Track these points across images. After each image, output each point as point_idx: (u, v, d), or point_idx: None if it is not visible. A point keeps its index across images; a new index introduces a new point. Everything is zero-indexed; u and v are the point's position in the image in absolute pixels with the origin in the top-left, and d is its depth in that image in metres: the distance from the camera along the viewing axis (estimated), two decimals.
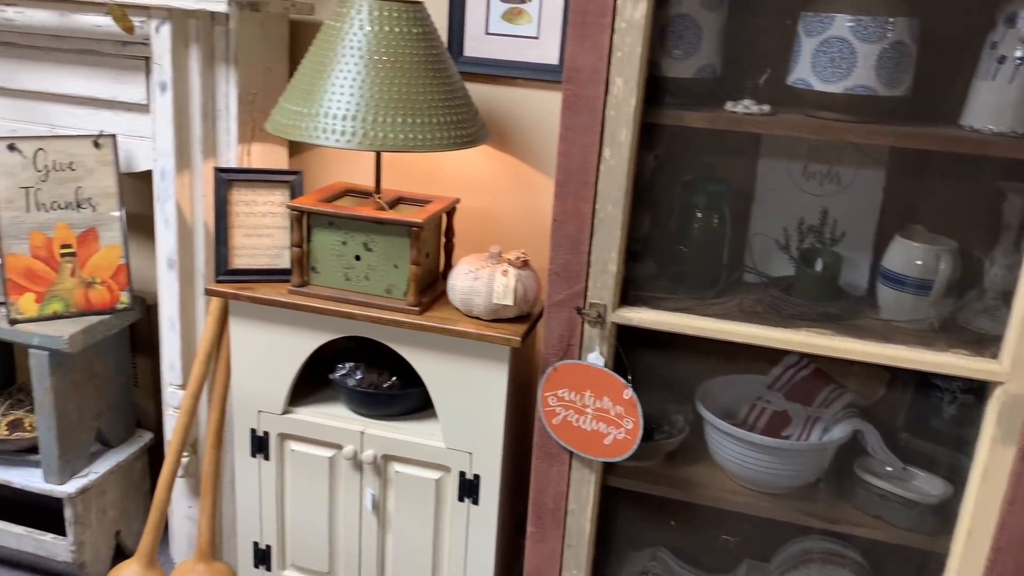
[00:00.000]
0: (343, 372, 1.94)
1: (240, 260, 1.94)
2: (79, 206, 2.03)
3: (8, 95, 2.15)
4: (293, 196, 1.94)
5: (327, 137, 1.66)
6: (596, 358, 1.68)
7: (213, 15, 1.87)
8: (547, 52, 1.98)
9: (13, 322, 1.99)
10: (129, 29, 1.83)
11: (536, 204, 2.10)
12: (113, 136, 2.03)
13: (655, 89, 1.60)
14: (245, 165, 2.01)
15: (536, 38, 1.99)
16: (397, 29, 1.70)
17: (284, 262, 1.94)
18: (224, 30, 1.90)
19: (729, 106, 1.58)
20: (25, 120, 2.15)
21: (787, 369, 1.87)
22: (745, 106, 1.56)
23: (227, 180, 1.91)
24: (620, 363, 1.69)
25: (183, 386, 2.11)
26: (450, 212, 1.96)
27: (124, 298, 2.09)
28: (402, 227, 1.77)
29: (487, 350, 1.78)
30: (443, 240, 1.99)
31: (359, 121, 1.66)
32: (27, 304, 2.00)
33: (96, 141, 2.02)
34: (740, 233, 1.80)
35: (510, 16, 1.99)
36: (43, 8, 1.93)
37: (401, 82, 1.68)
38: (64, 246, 2.02)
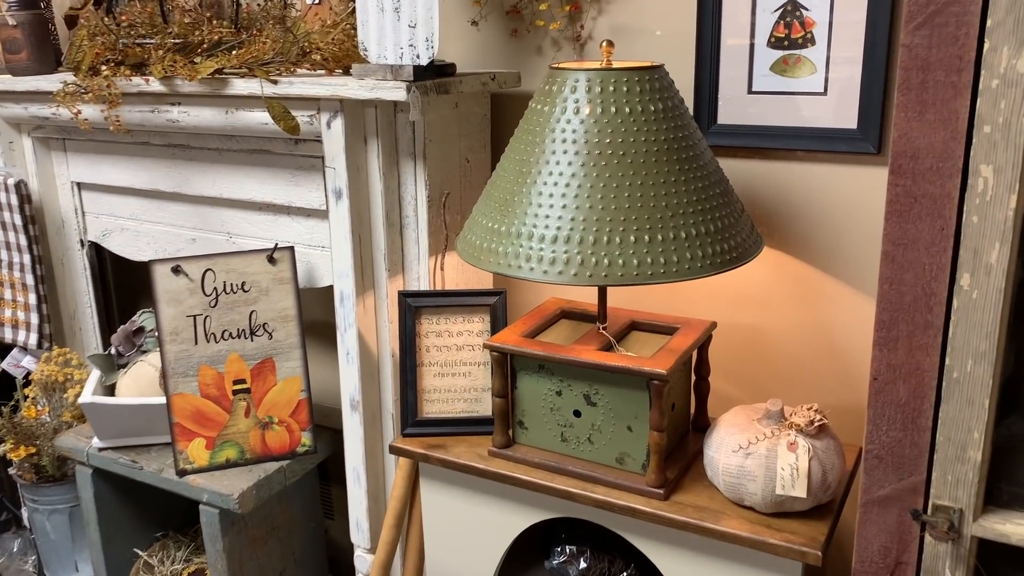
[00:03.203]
0: (562, 559, 1.45)
1: (432, 407, 1.52)
2: (253, 334, 1.71)
3: (184, 201, 1.89)
4: (494, 323, 1.50)
5: (531, 268, 1.19)
6: None
7: (396, 103, 1.47)
8: (840, 112, 1.40)
9: (182, 473, 1.70)
10: (293, 129, 1.48)
11: (823, 319, 1.51)
12: (290, 249, 1.70)
13: None
14: (437, 280, 1.60)
15: (822, 94, 1.41)
16: (627, 108, 1.20)
17: (486, 407, 1.50)
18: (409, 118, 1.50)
19: None
20: (203, 228, 1.89)
21: None
22: None
23: (414, 307, 1.50)
24: None
25: (372, 550, 1.72)
26: (704, 343, 1.42)
27: (306, 439, 1.74)
28: (638, 378, 1.27)
29: (767, 560, 1.22)
30: (694, 378, 1.46)
31: (574, 244, 1.17)
32: (197, 452, 1.70)
33: (271, 256, 1.70)
34: None
35: (783, 67, 1.43)
36: (208, 106, 1.64)
37: (634, 184, 1.18)
38: (237, 381, 1.71)
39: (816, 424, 1.23)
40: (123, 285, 2.32)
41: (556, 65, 1.26)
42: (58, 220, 2.12)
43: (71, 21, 2.00)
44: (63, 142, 2.05)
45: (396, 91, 1.38)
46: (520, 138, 1.28)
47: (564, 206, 1.19)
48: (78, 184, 2.08)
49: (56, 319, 2.17)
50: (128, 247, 2.06)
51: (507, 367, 1.38)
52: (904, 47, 1.00)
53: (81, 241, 2.13)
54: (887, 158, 1.40)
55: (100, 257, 2.20)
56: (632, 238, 1.16)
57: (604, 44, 1.26)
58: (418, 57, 1.36)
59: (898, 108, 1.02)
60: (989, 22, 0.94)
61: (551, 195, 1.20)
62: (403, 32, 1.37)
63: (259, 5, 1.78)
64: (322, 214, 1.68)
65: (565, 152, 1.20)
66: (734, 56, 1.46)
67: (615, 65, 1.26)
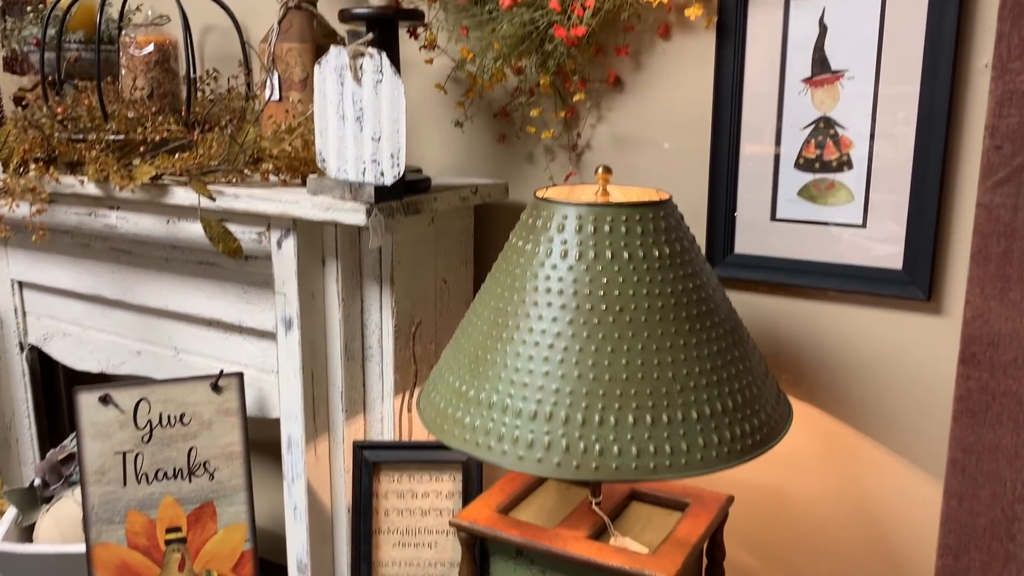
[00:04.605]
0: None
1: None
2: (192, 474, 1.47)
3: (129, 309, 1.68)
4: (467, 484, 1.26)
5: (503, 450, 0.96)
6: None
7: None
8: (882, 249, 1.18)
9: None
10: (234, 252, 1.26)
11: (860, 487, 1.27)
12: (239, 376, 1.47)
13: None
14: (404, 424, 1.36)
15: (861, 226, 1.19)
16: (626, 253, 0.98)
17: None
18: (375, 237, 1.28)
19: None
20: (148, 340, 1.67)
21: None
22: None
23: (372, 462, 1.27)
24: None
25: None
26: (719, 524, 1.18)
27: None
28: None
29: None
30: (706, 562, 1.21)
31: (558, 423, 0.94)
32: None
33: (216, 384, 1.47)
34: None
35: (814, 192, 1.22)
36: (148, 214, 1.43)
37: (634, 348, 0.95)
38: (171, 529, 1.47)
39: None
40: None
41: (542, 195, 1.05)
42: None
43: (20, 103, 1.82)
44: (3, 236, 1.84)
45: (355, 214, 1.16)
46: (498, 279, 1.06)
47: (547, 373, 0.96)
48: (19, 283, 1.87)
49: None
50: (70, 354, 1.84)
51: (477, 550, 1.14)
52: (981, 207, 0.78)
53: (20, 344, 1.91)
54: (939, 305, 1.18)
55: (48, 362, 1.97)
56: (630, 419, 0.93)
57: (600, 171, 1.05)
58: (382, 175, 1.15)
59: (972, 282, 0.79)
60: None
61: (531, 357, 0.97)
62: (366, 145, 1.16)
63: (220, 95, 1.59)
64: (275, 336, 1.45)
65: (550, 304, 0.98)
66: (755, 177, 1.25)
67: (613, 195, 1.05)
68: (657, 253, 0.99)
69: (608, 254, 0.98)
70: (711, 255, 1.30)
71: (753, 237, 1.27)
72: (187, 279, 1.53)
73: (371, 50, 1.12)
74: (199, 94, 1.55)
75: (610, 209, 0.99)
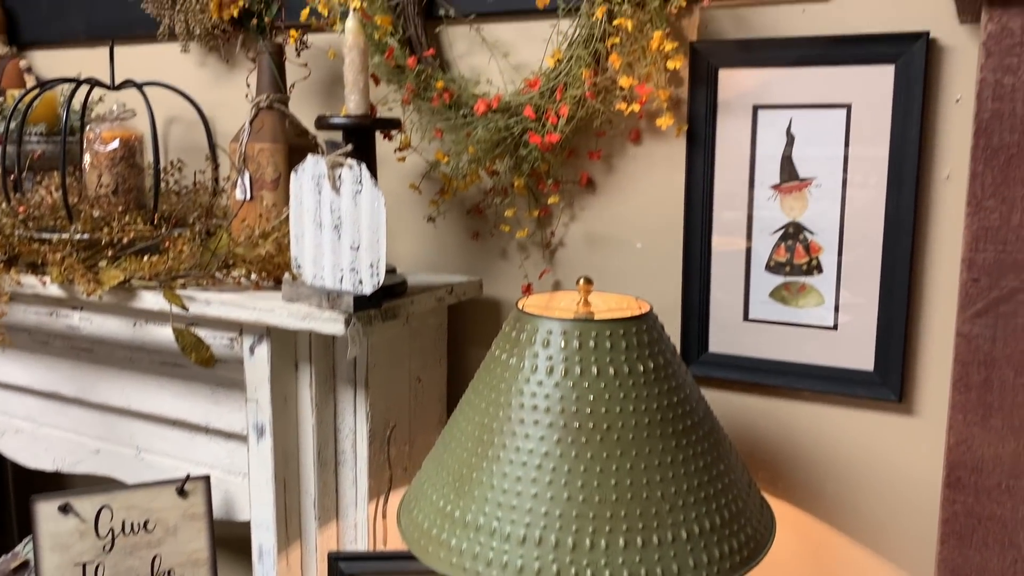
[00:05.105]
0: None
1: None
2: None
3: (87, 407, 1.62)
4: None
5: None
6: None
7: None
8: (853, 351, 1.21)
9: None
10: (206, 362, 1.24)
11: None
12: (205, 479, 1.43)
13: None
14: (378, 531, 1.34)
15: (832, 328, 1.22)
16: (611, 369, 0.98)
17: None
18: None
19: None
20: (108, 439, 1.62)
21: None
22: None
23: (348, 575, 1.23)
24: None
25: None
26: None
27: None
28: None
29: None
30: None
31: (547, 547, 0.93)
32: None
33: (181, 488, 1.42)
34: None
35: (785, 294, 1.24)
36: (113, 315, 1.40)
37: (622, 468, 0.95)
38: None
39: None
40: (26, 491, 2.02)
41: (524, 309, 1.05)
42: None
43: None
44: None
45: (333, 324, 1.15)
46: (481, 392, 1.05)
47: (535, 495, 0.95)
48: None
49: None
50: (23, 451, 1.77)
51: None
52: (961, 337, 0.80)
53: None
54: (910, 406, 1.20)
55: None
56: (621, 541, 0.92)
57: (581, 282, 1.06)
58: (361, 284, 1.14)
59: (954, 409, 0.81)
60: None
61: (518, 478, 0.96)
62: (344, 253, 1.16)
63: (186, 190, 1.57)
64: (244, 438, 1.42)
65: (536, 422, 0.97)
66: (727, 278, 1.27)
67: (594, 302, 1.06)
68: (642, 368, 0.99)
69: (594, 370, 0.98)
70: (686, 354, 1.31)
71: (727, 337, 1.29)
72: (152, 378, 1.49)
73: (350, 161, 1.12)
74: (163, 185, 1.53)
75: (595, 324, 1.00)
